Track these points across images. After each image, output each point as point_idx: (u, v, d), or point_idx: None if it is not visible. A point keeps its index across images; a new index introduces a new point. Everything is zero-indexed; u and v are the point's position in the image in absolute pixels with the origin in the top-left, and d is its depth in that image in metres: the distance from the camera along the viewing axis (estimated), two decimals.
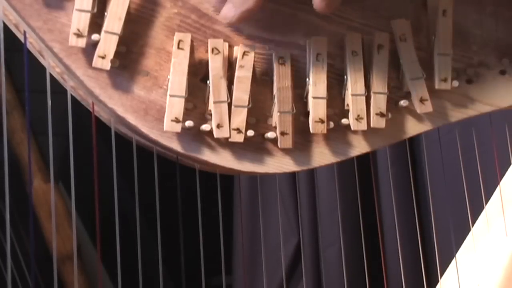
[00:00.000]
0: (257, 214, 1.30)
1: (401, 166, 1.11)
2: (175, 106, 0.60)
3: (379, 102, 0.64)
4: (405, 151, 1.10)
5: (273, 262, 1.26)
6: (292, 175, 1.25)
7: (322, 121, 0.63)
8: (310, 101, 0.63)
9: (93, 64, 0.59)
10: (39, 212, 1.27)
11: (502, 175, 0.75)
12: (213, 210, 0.67)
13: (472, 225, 0.75)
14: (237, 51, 0.62)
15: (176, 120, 0.60)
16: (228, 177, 0.67)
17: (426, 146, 0.81)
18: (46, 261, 1.19)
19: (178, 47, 0.61)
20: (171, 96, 0.60)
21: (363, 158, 0.67)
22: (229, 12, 0.61)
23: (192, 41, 0.62)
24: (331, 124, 0.64)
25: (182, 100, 0.60)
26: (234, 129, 0.62)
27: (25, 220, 1.09)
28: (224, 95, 0.61)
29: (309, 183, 1.27)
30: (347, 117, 0.64)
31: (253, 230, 1.31)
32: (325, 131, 0.63)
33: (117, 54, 0.60)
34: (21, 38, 0.60)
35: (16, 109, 1.27)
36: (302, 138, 0.64)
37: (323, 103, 0.63)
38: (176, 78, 0.60)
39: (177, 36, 0.61)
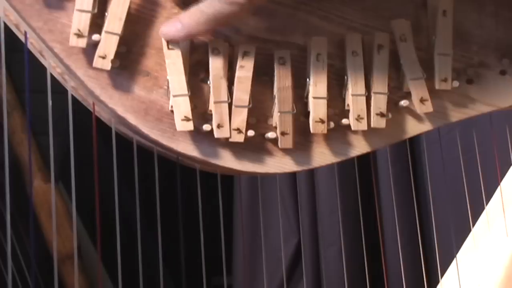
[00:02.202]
0: (257, 214, 1.30)
1: (401, 166, 1.11)
2: (181, 105, 0.60)
3: (380, 102, 0.64)
4: (405, 151, 1.10)
5: (273, 262, 1.26)
6: (292, 175, 1.25)
7: (322, 121, 0.63)
8: (311, 101, 0.63)
9: (94, 64, 0.59)
10: (39, 212, 1.27)
11: (502, 175, 0.75)
12: (213, 210, 0.67)
13: (473, 225, 0.75)
14: (238, 51, 0.62)
15: (186, 119, 0.60)
16: (228, 178, 0.67)
17: (426, 146, 0.81)
18: (45, 261, 1.20)
19: (168, 48, 0.61)
20: (174, 96, 0.60)
21: (363, 158, 0.67)
22: (175, 31, 0.60)
23: (192, 41, 0.62)
24: (332, 124, 0.64)
25: (187, 98, 0.60)
26: (235, 129, 0.61)
27: (25, 220, 1.09)
28: (224, 95, 0.61)
29: (309, 183, 1.27)
30: (347, 117, 0.64)
31: (253, 230, 1.31)
32: (325, 131, 0.63)
33: (117, 54, 0.59)
34: (22, 39, 0.60)
35: (16, 109, 1.27)
36: (303, 138, 0.64)
37: (323, 103, 0.63)
38: (175, 78, 0.60)
39: None
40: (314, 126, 0.63)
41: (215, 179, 0.65)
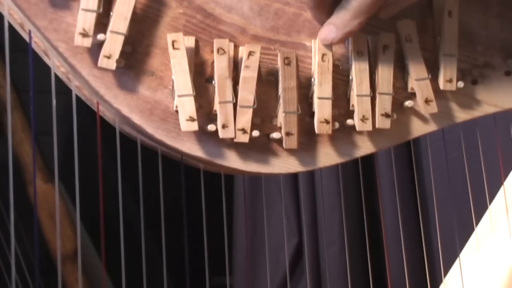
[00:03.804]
0: (258, 214, 1.30)
1: (403, 164, 1.11)
2: (186, 105, 0.60)
3: (384, 102, 0.64)
4: (406, 150, 1.10)
5: (273, 262, 1.26)
6: (293, 174, 1.25)
7: (327, 122, 0.63)
8: (316, 101, 0.63)
9: (99, 64, 0.59)
10: (39, 212, 1.27)
11: (506, 174, 0.75)
12: (214, 210, 0.67)
13: (476, 225, 0.75)
14: (243, 51, 0.62)
15: (191, 119, 0.60)
16: (229, 177, 0.67)
17: (428, 145, 0.81)
18: (45, 261, 1.19)
19: (174, 48, 0.60)
20: (179, 96, 0.60)
21: (364, 157, 0.67)
22: (330, 33, 0.61)
23: (197, 41, 0.62)
24: (336, 125, 0.64)
25: (192, 98, 0.60)
26: (239, 130, 0.61)
27: (24, 219, 1.09)
28: (229, 95, 0.61)
29: (309, 183, 1.27)
30: (352, 117, 0.64)
31: (253, 230, 1.31)
32: (330, 132, 0.63)
33: (122, 54, 0.59)
34: (26, 38, 0.60)
35: (16, 109, 1.27)
36: (307, 139, 0.64)
37: (328, 104, 0.63)
38: (180, 78, 0.60)
39: (169, 37, 0.60)
40: (319, 127, 0.63)
41: (216, 179, 0.65)
